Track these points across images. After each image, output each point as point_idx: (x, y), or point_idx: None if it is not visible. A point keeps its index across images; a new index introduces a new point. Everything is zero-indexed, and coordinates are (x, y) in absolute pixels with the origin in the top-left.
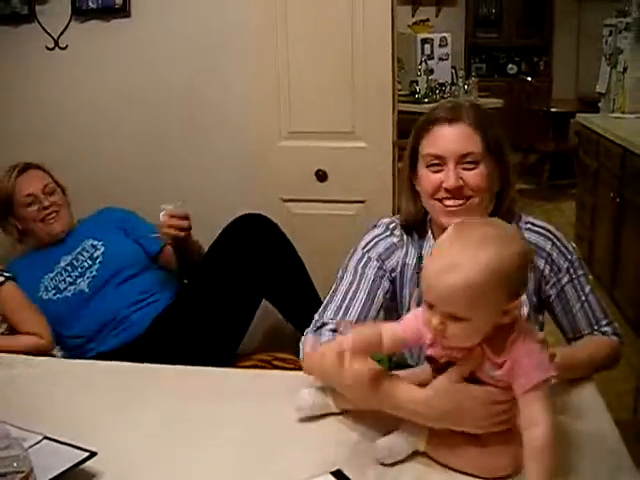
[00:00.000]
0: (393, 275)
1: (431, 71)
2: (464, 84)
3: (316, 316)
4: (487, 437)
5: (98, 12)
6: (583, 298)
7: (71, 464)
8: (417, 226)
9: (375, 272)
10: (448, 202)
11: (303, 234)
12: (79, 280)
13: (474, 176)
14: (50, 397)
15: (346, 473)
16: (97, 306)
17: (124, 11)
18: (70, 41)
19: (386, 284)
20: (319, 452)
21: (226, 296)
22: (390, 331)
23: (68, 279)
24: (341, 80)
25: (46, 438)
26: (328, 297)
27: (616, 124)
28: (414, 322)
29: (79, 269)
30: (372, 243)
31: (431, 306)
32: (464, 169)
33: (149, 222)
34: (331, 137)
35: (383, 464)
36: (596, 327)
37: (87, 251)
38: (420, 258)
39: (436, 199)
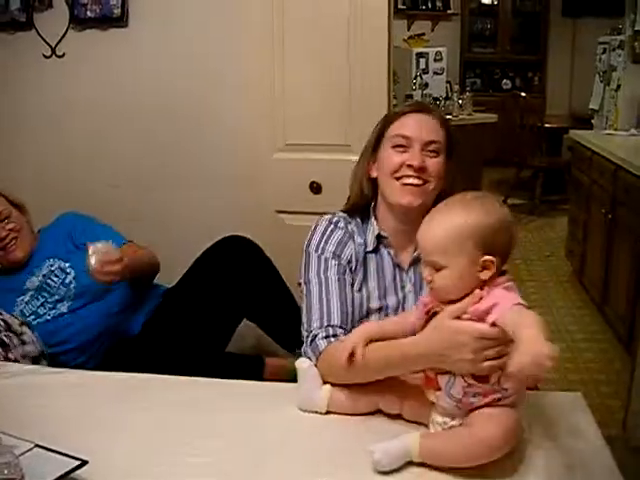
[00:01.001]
0: (351, 265)
1: (426, 85)
2: (458, 99)
3: (303, 332)
4: (477, 424)
5: (96, 21)
6: None
7: (62, 472)
8: (362, 211)
9: (337, 270)
10: (408, 180)
11: (297, 246)
12: (59, 305)
13: (435, 163)
14: (42, 405)
15: None
16: (81, 324)
17: (122, 20)
18: (67, 49)
19: (349, 278)
20: (309, 461)
21: (205, 315)
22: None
23: (47, 305)
24: (337, 93)
25: (37, 446)
26: (305, 312)
27: (609, 141)
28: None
29: (56, 295)
30: (322, 242)
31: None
32: (426, 155)
33: (108, 227)
34: (326, 150)
35: (378, 472)
36: None
37: (57, 276)
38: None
39: (396, 177)
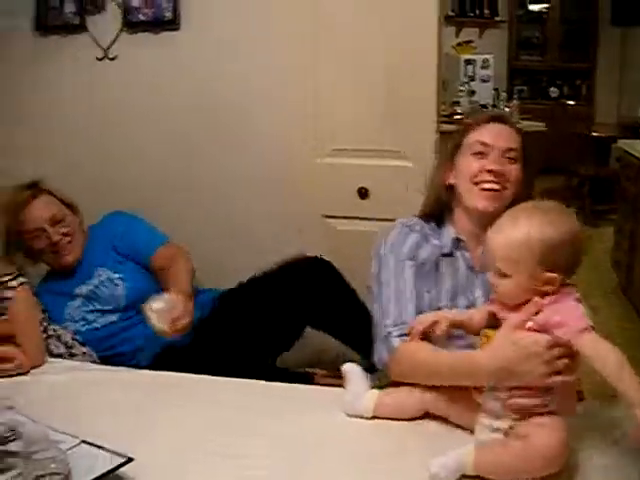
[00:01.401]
0: (425, 267)
1: (473, 92)
2: (505, 106)
3: (377, 330)
4: (531, 434)
5: (148, 24)
6: None
7: (108, 469)
8: (437, 216)
9: (412, 272)
10: (487, 185)
11: (344, 251)
12: (108, 314)
13: (513, 169)
14: (89, 402)
15: None
16: (130, 332)
17: (173, 24)
18: (119, 52)
19: (423, 280)
20: (353, 466)
21: (266, 325)
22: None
23: (97, 313)
24: (386, 99)
25: (84, 442)
26: (378, 312)
27: None
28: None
29: (105, 306)
30: (397, 244)
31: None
32: (505, 162)
33: (148, 227)
34: (374, 155)
35: None
36: None
37: (106, 287)
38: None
39: (475, 183)
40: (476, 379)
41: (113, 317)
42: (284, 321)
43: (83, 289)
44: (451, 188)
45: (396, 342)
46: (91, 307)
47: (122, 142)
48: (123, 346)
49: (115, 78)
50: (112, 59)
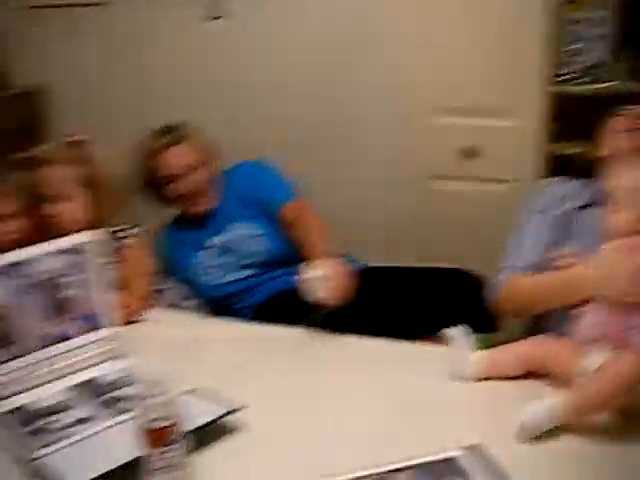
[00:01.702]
0: (557, 224)
1: (580, 51)
2: (613, 66)
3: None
4: (611, 362)
5: None
6: None
7: (215, 416)
8: (587, 174)
9: (541, 225)
10: (626, 126)
11: (449, 210)
12: (244, 270)
13: None
14: (202, 354)
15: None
16: (263, 287)
17: None
18: (226, 11)
19: (548, 234)
20: (456, 427)
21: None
22: None
23: (231, 267)
24: (492, 58)
25: (192, 390)
26: (503, 257)
27: None
28: None
29: (242, 261)
30: (534, 200)
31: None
32: None
33: (278, 180)
34: (483, 114)
35: (523, 441)
36: None
37: (247, 242)
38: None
39: (617, 132)
40: (579, 290)
41: (248, 272)
42: (418, 321)
43: (215, 241)
44: (601, 160)
45: (508, 275)
46: (225, 260)
47: (226, 102)
48: (248, 301)
49: (222, 37)
50: (218, 18)
